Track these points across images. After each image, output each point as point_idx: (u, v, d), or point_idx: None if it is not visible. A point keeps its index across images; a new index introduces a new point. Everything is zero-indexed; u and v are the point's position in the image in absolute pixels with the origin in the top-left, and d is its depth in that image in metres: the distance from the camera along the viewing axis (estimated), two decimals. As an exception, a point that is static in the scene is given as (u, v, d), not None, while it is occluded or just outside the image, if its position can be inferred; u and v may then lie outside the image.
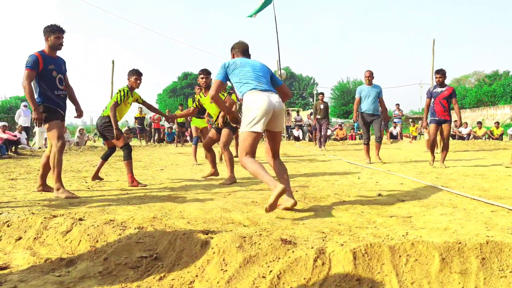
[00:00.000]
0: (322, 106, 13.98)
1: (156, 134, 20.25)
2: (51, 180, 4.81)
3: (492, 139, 16.44)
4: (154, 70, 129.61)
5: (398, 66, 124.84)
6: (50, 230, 2.55)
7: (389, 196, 4.48)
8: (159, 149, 15.38)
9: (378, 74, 8.43)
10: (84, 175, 6.74)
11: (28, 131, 15.51)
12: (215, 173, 6.37)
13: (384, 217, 3.43)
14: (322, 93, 14.66)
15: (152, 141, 20.17)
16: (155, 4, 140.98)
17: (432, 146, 7.91)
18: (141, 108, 19.64)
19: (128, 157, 5.59)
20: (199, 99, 6.39)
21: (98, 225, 2.50)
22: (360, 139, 19.90)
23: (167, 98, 67.38)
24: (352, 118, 38.93)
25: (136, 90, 5.86)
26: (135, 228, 2.51)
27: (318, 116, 13.92)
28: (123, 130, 19.05)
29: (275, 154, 4.05)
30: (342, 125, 23.08)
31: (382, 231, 2.96)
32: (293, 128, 21.76)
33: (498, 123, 17.93)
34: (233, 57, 4.26)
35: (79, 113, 5.18)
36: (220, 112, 6.09)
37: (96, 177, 6.03)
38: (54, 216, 2.70)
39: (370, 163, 8.35)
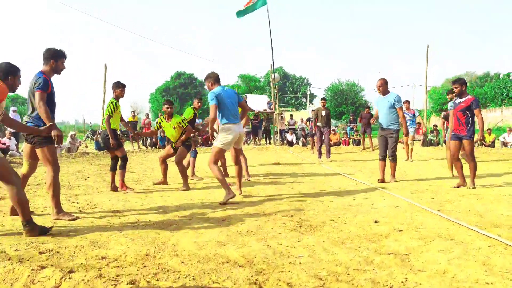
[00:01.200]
0: (323, 113, 12.80)
1: (148, 139, 20.10)
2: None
3: (484, 146, 16.46)
4: (147, 69, 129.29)
5: (391, 67, 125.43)
6: (38, 285, 2.45)
7: (386, 224, 4.42)
8: (151, 155, 15.23)
9: (371, 75, 7.98)
10: (75, 192, 6.60)
11: (18, 136, 15.21)
12: (165, 182, 7.65)
13: (382, 255, 3.37)
14: (324, 99, 13.39)
15: (143, 145, 20.02)
16: (149, 7, 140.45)
17: (451, 164, 7.09)
18: (133, 112, 20.18)
19: (123, 167, 6.83)
20: (160, 123, 7.55)
21: (88, 280, 2.40)
22: (353, 145, 19.90)
23: (160, 98, 66.98)
24: (345, 118, 39.03)
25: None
26: (127, 283, 2.42)
27: (319, 124, 12.81)
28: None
29: (237, 159, 6.47)
30: (336, 128, 23.01)
31: (381, 275, 2.90)
32: (287, 132, 21.64)
33: (490, 129, 17.94)
34: (210, 84, 6.01)
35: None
36: (180, 136, 7.37)
37: (114, 188, 6.86)
38: (42, 268, 2.59)
39: (384, 181, 7.61)
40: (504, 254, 3.36)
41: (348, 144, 19.46)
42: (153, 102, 67.24)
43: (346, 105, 46.20)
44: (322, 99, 13.36)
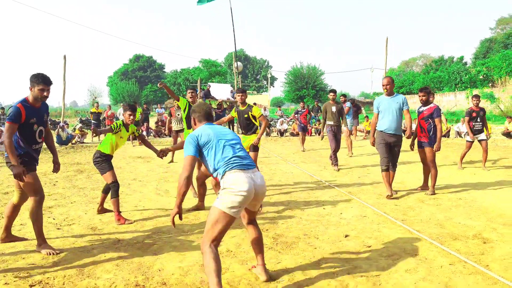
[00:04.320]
0: (334, 109, 10.17)
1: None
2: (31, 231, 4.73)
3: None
4: (105, 52, 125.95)
5: (350, 51, 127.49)
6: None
7: (356, 239, 4.75)
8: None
9: (332, 60, 7.94)
10: (49, 204, 6.52)
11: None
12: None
13: (355, 277, 3.68)
14: (334, 91, 10.29)
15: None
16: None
17: (424, 172, 7.43)
18: (97, 103, 19.96)
19: (115, 195, 5.60)
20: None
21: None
22: (316, 134, 20.31)
23: (118, 81, 65.59)
24: (306, 101, 39.51)
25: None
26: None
27: (330, 122, 10.18)
28: (78, 126, 18.52)
29: (251, 220, 3.74)
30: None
31: (357, 303, 3.19)
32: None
33: (446, 119, 18.65)
34: (195, 122, 3.76)
35: (57, 166, 4.85)
36: None
37: (102, 210, 6.05)
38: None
39: (391, 198, 6.69)
40: (464, 273, 3.75)
41: (310, 134, 19.82)
42: (112, 86, 65.74)
43: (307, 89, 46.90)
44: (330, 91, 10.41)
